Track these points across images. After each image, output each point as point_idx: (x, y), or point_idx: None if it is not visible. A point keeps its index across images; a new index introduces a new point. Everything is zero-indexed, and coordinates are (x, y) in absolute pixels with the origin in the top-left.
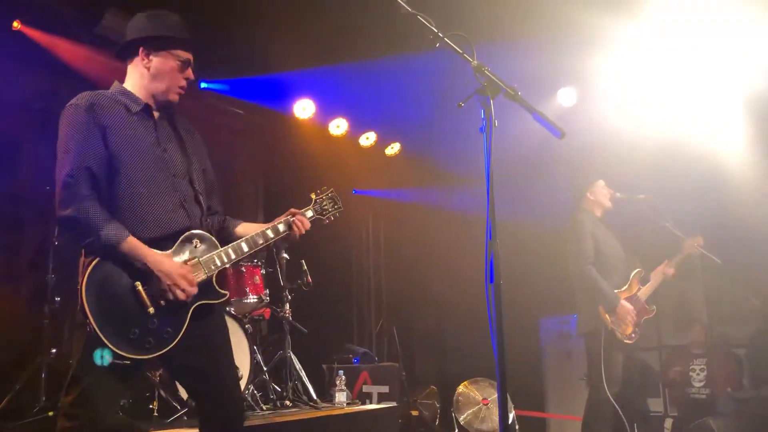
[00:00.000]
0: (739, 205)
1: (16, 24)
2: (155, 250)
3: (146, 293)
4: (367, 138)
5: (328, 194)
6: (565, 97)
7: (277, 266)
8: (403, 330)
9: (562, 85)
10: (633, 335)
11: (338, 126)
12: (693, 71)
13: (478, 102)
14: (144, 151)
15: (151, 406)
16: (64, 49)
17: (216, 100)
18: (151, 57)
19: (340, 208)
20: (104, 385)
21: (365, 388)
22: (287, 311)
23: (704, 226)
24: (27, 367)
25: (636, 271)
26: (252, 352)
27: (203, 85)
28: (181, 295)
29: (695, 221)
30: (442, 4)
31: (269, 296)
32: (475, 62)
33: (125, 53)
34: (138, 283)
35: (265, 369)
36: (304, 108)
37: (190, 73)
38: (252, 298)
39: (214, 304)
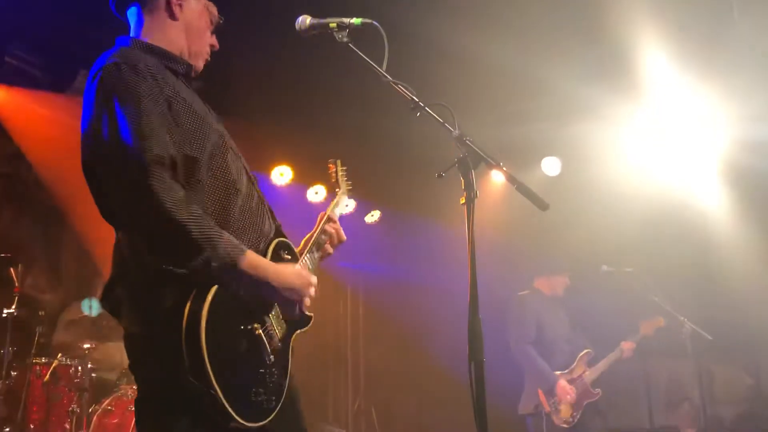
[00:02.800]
0: (730, 280)
1: None
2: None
3: (266, 336)
4: (347, 205)
5: (341, 170)
6: (549, 167)
7: None
8: (382, 410)
9: (547, 154)
10: (572, 419)
11: (317, 193)
12: (677, 143)
13: (459, 172)
14: (210, 129)
15: None
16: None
17: None
18: (182, 4)
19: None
20: None
21: None
22: None
23: (694, 301)
24: None
25: (584, 352)
26: None
27: None
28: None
29: (685, 295)
30: (425, 73)
31: None
32: (456, 132)
33: (129, 8)
34: (257, 325)
35: None
36: (282, 174)
37: (214, 39)
38: None
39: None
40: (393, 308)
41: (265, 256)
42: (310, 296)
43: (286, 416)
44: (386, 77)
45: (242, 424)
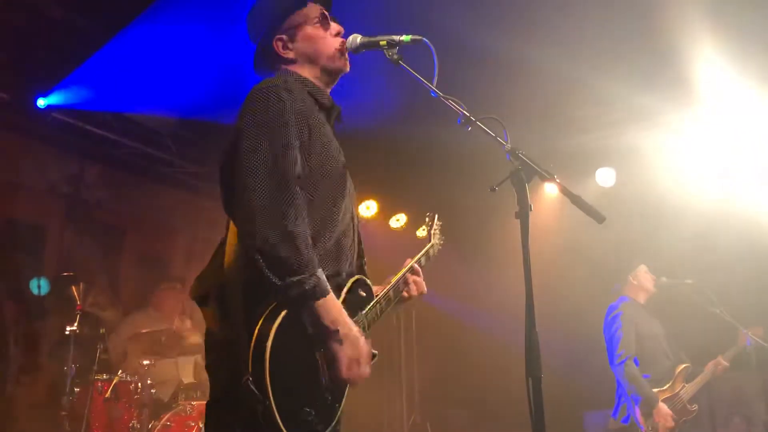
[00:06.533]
0: None
1: (42, 102)
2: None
3: (322, 361)
4: (398, 220)
5: (436, 225)
6: (603, 178)
7: None
8: (437, 425)
9: (601, 164)
10: None
11: (368, 208)
12: (734, 151)
13: (513, 186)
14: (337, 161)
15: None
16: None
17: None
18: (288, 44)
19: (441, 241)
20: None
21: None
22: None
23: (758, 313)
24: None
25: (683, 366)
26: None
27: None
28: (359, 383)
29: (748, 307)
30: (477, 83)
31: None
32: (509, 146)
33: (265, 67)
34: (318, 352)
35: None
36: None
37: (332, 24)
38: None
39: None
40: (446, 322)
41: (342, 288)
42: (355, 372)
43: None
44: (437, 92)
45: None
